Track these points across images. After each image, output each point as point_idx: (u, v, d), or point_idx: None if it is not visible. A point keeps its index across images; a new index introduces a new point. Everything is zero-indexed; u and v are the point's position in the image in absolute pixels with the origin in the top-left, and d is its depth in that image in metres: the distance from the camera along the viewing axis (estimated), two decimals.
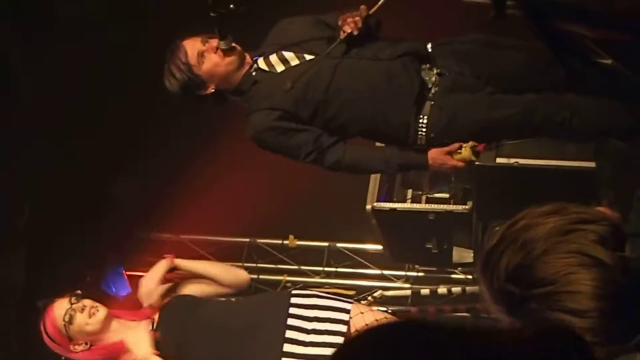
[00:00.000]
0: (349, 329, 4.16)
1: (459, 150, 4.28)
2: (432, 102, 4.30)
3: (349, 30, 4.26)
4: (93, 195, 6.59)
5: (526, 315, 1.81)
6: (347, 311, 4.22)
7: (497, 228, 5.70)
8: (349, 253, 7.09)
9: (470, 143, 4.28)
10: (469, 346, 1.19)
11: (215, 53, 4.33)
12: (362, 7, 4.30)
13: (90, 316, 4.16)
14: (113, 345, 4.22)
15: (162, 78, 4.47)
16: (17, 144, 5.96)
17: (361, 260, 7.07)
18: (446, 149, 4.28)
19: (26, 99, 6.10)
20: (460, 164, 4.32)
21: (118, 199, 6.95)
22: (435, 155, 4.30)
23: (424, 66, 4.35)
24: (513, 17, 3.26)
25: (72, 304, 4.17)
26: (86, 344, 4.20)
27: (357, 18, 4.26)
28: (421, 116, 4.28)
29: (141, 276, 7.09)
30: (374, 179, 5.97)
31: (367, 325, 4.21)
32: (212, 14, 4.09)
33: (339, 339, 4.08)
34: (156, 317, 4.25)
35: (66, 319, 4.15)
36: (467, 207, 5.75)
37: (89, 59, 6.07)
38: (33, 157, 6.08)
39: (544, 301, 1.78)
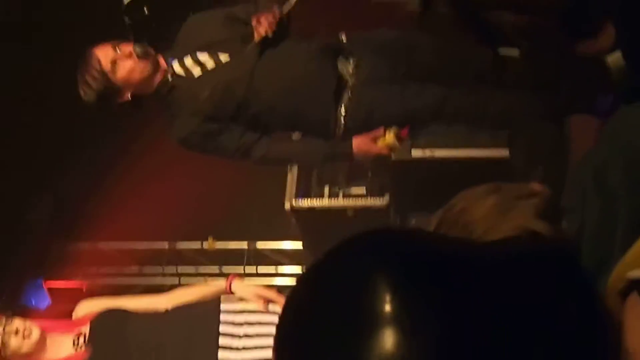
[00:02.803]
0: None
1: (383, 137, 4.30)
2: (350, 94, 4.34)
3: (263, 33, 4.29)
4: (7, 209, 6.50)
5: None
6: (277, 313, 4.21)
7: (414, 221, 5.76)
8: (268, 252, 7.11)
9: (394, 129, 4.29)
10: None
11: (129, 59, 4.30)
12: (276, 9, 4.32)
13: (24, 338, 4.08)
14: None
15: (76, 87, 4.41)
16: None
17: (281, 258, 7.10)
18: (369, 136, 4.31)
19: None
20: (385, 150, 4.34)
21: (34, 210, 6.87)
22: (359, 143, 4.34)
23: (340, 58, 4.39)
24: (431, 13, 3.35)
25: (4, 327, 4.08)
26: None
27: (270, 20, 4.28)
28: (340, 108, 4.32)
29: (61, 287, 7.12)
30: (291, 178, 5.99)
31: None
32: (126, 20, 4.08)
33: (271, 341, 4.07)
34: (87, 329, 4.18)
35: (0, 345, 4.06)
36: (384, 201, 5.80)
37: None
38: None
39: None
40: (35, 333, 4.10)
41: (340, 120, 4.34)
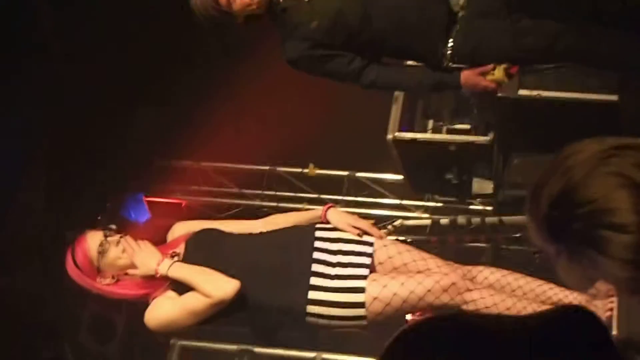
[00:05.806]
0: (372, 261, 4.17)
1: (492, 72, 4.24)
2: (458, 27, 4.28)
3: None
4: (113, 122, 6.60)
5: (570, 238, 1.87)
6: (370, 244, 4.22)
7: (516, 160, 5.71)
8: (368, 182, 7.12)
9: (504, 65, 4.23)
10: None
11: None
12: None
13: (123, 251, 4.15)
14: (138, 283, 4.20)
15: (185, 4, 4.40)
16: (36, 72, 5.96)
17: (380, 189, 7.10)
18: (479, 69, 4.25)
19: (47, 30, 6.10)
20: (493, 85, 4.28)
21: (139, 127, 6.97)
22: (468, 75, 4.28)
23: None
24: None
25: (106, 236, 4.15)
26: (113, 277, 4.18)
27: None
28: (448, 40, 4.27)
29: (161, 202, 7.23)
30: (395, 109, 5.96)
31: (390, 258, 4.22)
32: None
33: (364, 271, 4.08)
34: (181, 249, 4.23)
35: (100, 250, 4.14)
36: (488, 138, 5.74)
37: None
38: (51, 84, 6.08)
39: (587, 220, 1.84)
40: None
41: (447, 52, 4.29)
